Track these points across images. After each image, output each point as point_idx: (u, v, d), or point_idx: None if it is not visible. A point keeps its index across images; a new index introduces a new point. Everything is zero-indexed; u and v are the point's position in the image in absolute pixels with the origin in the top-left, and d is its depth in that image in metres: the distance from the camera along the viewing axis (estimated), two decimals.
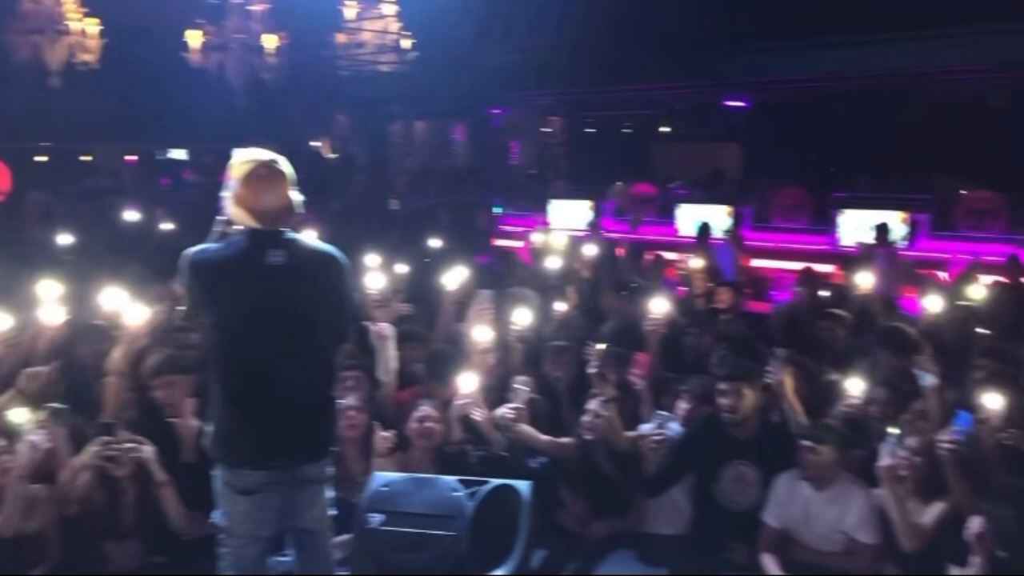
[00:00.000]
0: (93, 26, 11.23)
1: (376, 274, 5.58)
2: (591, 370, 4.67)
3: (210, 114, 14.42)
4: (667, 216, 12.14)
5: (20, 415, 3.93)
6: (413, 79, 12.52)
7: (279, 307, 3.22)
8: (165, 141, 16.73)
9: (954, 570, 3.56)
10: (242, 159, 3.26)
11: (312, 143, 16.39)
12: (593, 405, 4.49)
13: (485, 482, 3.99)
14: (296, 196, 3.31)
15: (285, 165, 3.31)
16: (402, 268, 7.07)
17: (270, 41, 11.76)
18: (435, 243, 9.07)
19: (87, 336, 5.27)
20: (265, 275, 3.20)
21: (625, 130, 15.66)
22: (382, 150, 13.89)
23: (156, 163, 16.48)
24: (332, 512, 3.56)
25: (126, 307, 4.87)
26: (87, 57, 11.34)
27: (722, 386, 4.35)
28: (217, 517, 3.34)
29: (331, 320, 3.37)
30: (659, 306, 5.34)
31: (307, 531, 3.43)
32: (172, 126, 15.52)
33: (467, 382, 4.52)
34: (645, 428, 4.52)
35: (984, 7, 9.85)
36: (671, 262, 8.08)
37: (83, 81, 11.74)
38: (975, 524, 3.40)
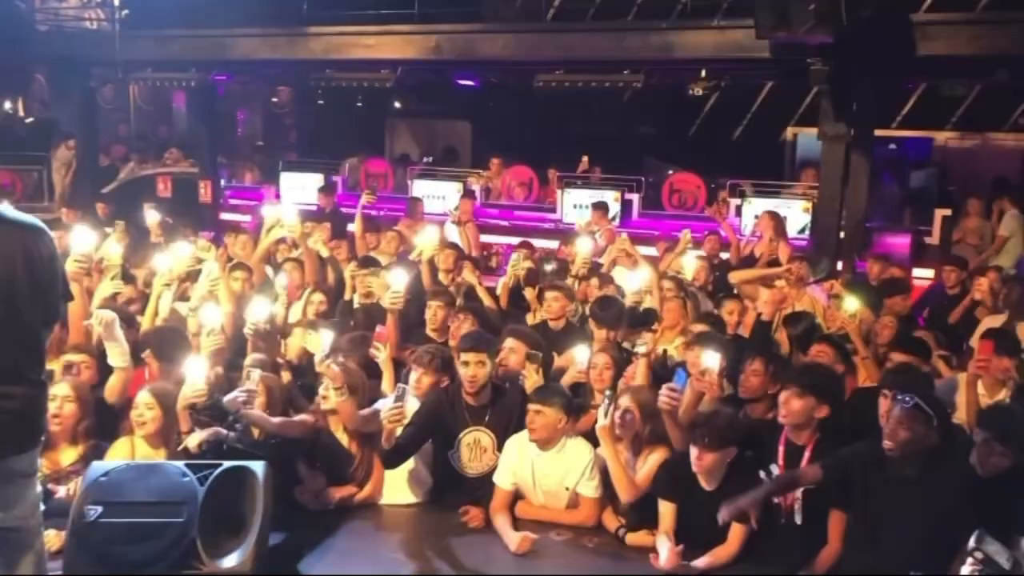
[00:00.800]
0: None
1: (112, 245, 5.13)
2: (317, 361, 4.64)
3: None
4: (402, 192, 12.18)
5: None
6: (121, 39, 11.51)
7: None
8: None
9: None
10: None
11: (6, 104, 14.70)
12: (321, 390, 4.50)
13: (216, 465, 3.83)
14: None
15: None
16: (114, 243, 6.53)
17: None
18: (154, 215, 8.46)
19: None
20: None
21: (359, 104, 15.47)
22: (91, 115, 12.67)
23: None
24: (41, 507, 3.23)
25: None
26: None
27: (464, 357, 4.49)
28: None
29: (38, 298, 3.04)
30: (397, 280, 5.36)
31: (13, 529, 3.08)
32: None
33: (193, 367, 4.29)
34: (382, 403, 4.54)
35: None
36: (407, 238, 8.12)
37: None
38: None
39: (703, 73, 10.49)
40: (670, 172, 12.37)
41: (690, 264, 7.18)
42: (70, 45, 11.75)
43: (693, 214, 10.98)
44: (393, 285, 5.34)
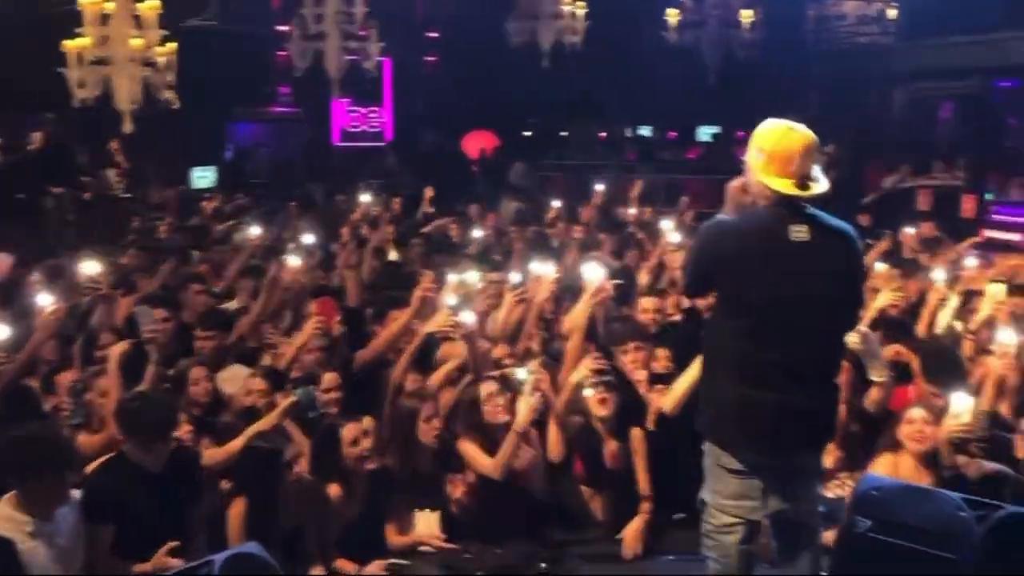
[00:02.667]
0: (580, 9, 12.00)
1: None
2: None
3: (678, 92, 14.69)
4: None
5: (524, 374, 4.27)
6: (895, 50, 11.46)
7: (800, 285, 3.04)
8: (634, 119, 17.42)
9: None
10: (769, 125, 3.12)
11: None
12: None
13: (998, 507, 3.46)
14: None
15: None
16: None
17: (747, 16, 11.59)
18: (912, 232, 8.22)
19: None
20: (789, 251, 3.04)
21: None
22: (864, 128, 12.95)
23: (624, 139, 17.22)
24: (820, 507, 3.32)
25: (592, 271, 5.01)
26: (573, 39, 12.16)
27: None
28: (705, 494, 3.28)
29: (846, 304, 3.17)
30: None
31: (796, 523, 3.23)
32: (641, 104, 16.10)
33: (959, 401, 3.98)
34: None
35: None
36: None
37: (567, 61, 12.63)
38: None
39: None
40: None
41: None
42: (845, 61, 12.17)
43: None
44: None
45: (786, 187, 3.03)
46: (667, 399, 4.48)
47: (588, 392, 4.42)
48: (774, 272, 3.04)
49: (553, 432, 4.49)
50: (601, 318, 5.03)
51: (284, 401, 4.24)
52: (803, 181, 3.04)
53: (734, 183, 3.25)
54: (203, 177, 13.18)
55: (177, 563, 3.36)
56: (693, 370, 4.21)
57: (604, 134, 17.37)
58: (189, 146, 13.40)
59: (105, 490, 3.70)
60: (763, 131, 3.14)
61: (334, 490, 4.14)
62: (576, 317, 4.71)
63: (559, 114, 16.62)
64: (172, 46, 8.06)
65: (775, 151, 3.05)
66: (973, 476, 4.03)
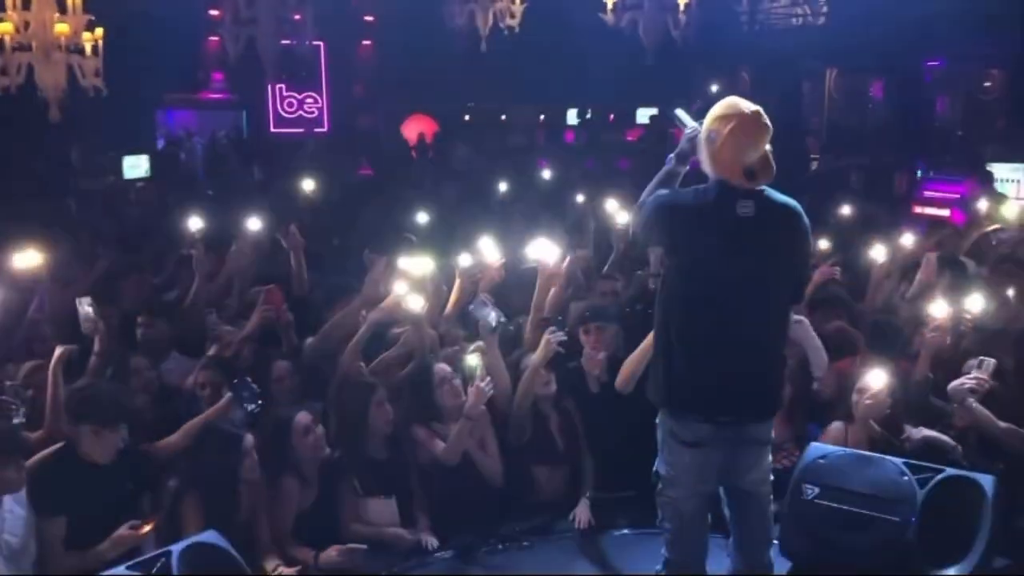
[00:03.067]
0: None
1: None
2: None
3: (615, 74, 14.75)
4: None
5: (474, 359, 4.29)
6: (828, 31, 11.69)
7: (746, 259, 3.11)
8: (570, 101, 17.46)
9: None
10: (727, 108, 3.13)
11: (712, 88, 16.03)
12: None
13: (939, 470, 3.60)
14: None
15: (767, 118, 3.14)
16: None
17: None
18: (847, 210, 8.43)
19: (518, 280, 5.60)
20: (735, 225, 3.10)
21: None
22: (796, 108, 13.21)
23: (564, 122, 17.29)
24: (771, 476, 3.40)
25: (549, 253, 5.04)
26: (511, 22, 12.08)
27: None
28: (660, 466, 3.33)
29: (792, 278, 3.25)
30: None
31: (747, 493, 3.31)
32: (578, 87, 16.14)
33: (875, 378, 4.18)
34: None
35: None
36: None
37: (504, 45, 12.57)
38: None
39: None
40: None
41: None
42: (778, 41, 12.36)
43: None
44: None
45: (735, 177, 3.10)
46: (619, 375, 4.54)
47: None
48: (720, 245, 3.10)
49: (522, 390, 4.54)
50: (557, 300, 5.05)
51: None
52: (751, 170, 3.08)
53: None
54: (135, 167, 12.82)
55: (136, 535, 3.32)
56: (644, 346, 4.27)
57: (543, 117, 17.41)
58: (119, 134, 13.02)
59: (53, 481, 3.63)
60: (718, 115, 3.14)
61: (287, 480, 4.10)
62: (537, 299, 4.75)
63: (497, 97, 16.57)
64: (99, 32, 7.79)
65: (727, 141, 3.09)
66: (912, 446, 4.19)
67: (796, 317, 4.45)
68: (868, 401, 4.20)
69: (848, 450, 3.86)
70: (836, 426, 4.31)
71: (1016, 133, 12.70)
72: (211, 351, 4.88)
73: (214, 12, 11.79)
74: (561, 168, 11.60)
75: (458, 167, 12.92)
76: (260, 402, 4.11)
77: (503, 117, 17.45)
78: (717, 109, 3.15)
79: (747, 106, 3.12)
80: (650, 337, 3.65)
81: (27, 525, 3.50)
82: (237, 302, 5.72)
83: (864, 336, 4.97)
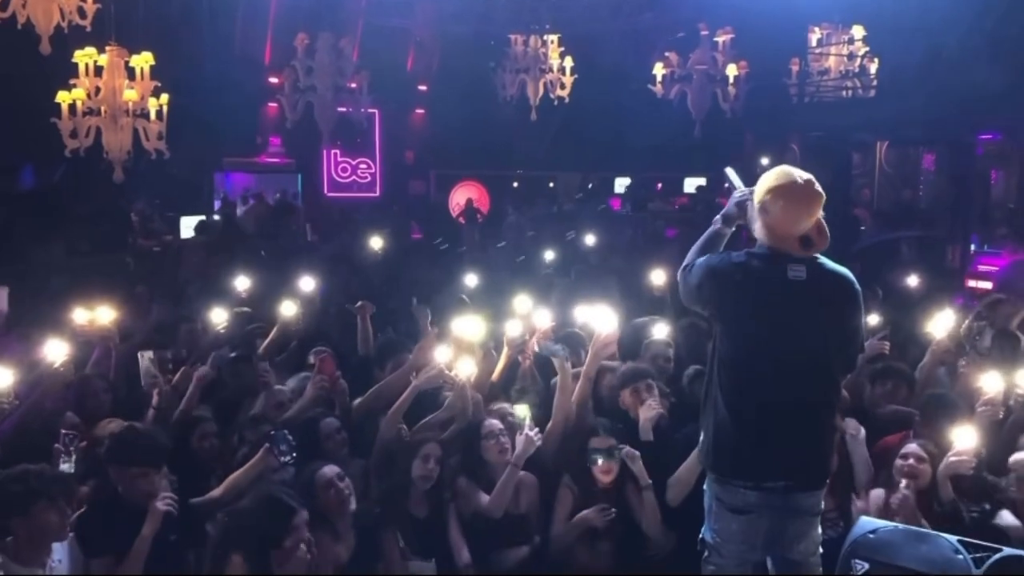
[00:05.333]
0: (569, 63, 12.18)
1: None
2: None
3: (663, 143, 14.88)
4: None
5: (523, 411, 4.29)
6: (879, 104, 11.70)
7: (796, 323, 3.09)
8: (617, 169, 17.64)
9: None
10: (779, 178, 3.14)
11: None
12: None
13: (996, 549, 3.48)
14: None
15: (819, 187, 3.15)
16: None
17: (732, 71, 11.79)
18: (899, 282, 8.32)
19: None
20: (786, 288, 3.08)
21: None
22: (847, 180, 13.18)
23: (612, 190, 17.45)
24: (820, 548, 3.32)
25: (607, 322, 4.99)
26: (561, 93, 12.32)
27: None
28: (706, 533, 3.28)
29: (843, 347, 3.21)
30: None
31: (796, 564, 3.24)
32: (626, 155, 16.32)
33: (964, 437, 4.01)
34: None
35: None
36: None
37: (552, 114, 12.81)
38: None
39: None
40: None
41: None
42: (827, 114, 12.38)
43: None
44: None
45: (790, 246, 3.10)
46: (669, 491, 4.31)
47: (597, 461, 4.36)
48: (770, 308, 3.09)
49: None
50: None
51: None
52: (808, 239, 3.08)
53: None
54: (192, 227, 13.20)
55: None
56: (690, 463, 4.16)
57: (591, 185, 17.58)
58: (179, 195, 13.44)
59: (100, 523, 3.72)
60: (771, 185, 3.13)
61: (319, 536, 4.06)
62: (587, 366, 4.72)
63: (546, 165, 16.81)
64: (164, 97, 8.12)
65: (782, 211, 3.09)
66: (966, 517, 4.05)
67: (852, 430, 4.37)
68: (953, 459, 3.98)
69: (900, 525, 3.74)
70: (877, 493, 4.19)
71: None
72: (258, 407, 4.92)
73: (274, 79, 12.20)
74: (606, 235, 11.67)
75: (507, 233, 13.07)
76: (295, 455, 4.10)
77: (551, 184, 17.67)
78: (769, 179, 3.14)
79: (799, 174, 3.12)
80: (694, 455, 3.60)
81: (73, 569, 3.55)
82: (290, 357, 5.81)
83: (920, 417, 4.83)
